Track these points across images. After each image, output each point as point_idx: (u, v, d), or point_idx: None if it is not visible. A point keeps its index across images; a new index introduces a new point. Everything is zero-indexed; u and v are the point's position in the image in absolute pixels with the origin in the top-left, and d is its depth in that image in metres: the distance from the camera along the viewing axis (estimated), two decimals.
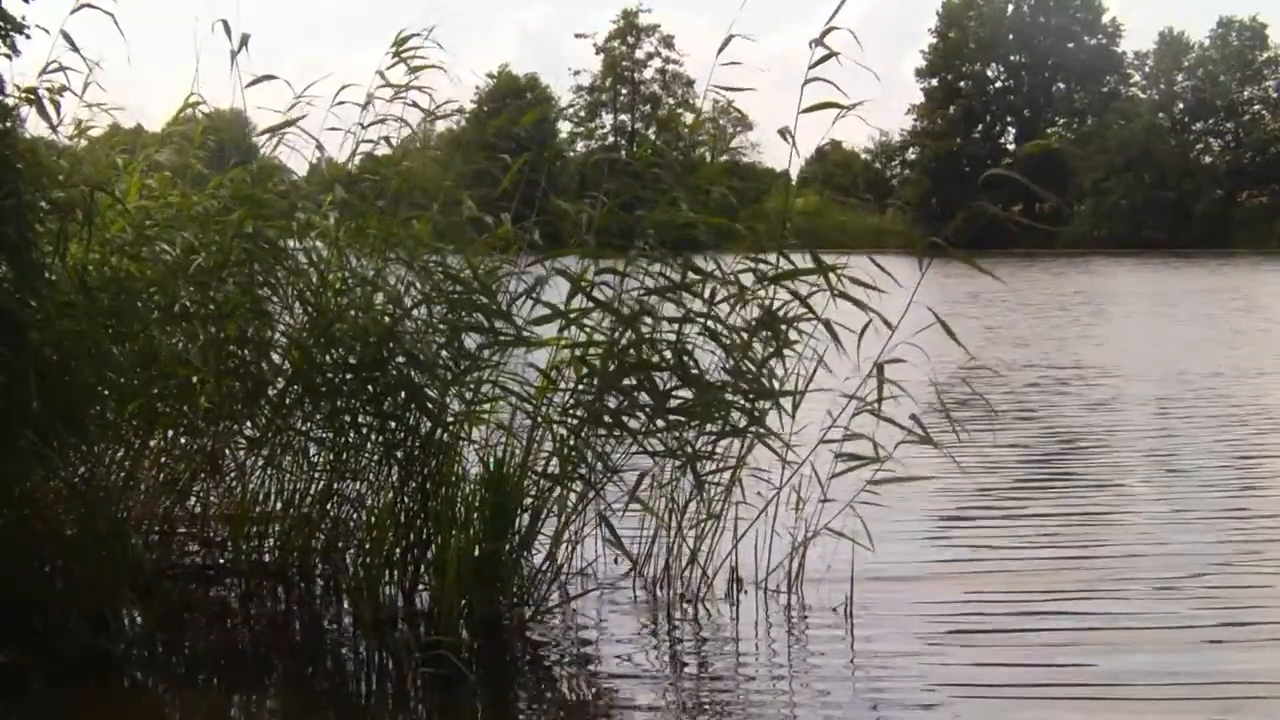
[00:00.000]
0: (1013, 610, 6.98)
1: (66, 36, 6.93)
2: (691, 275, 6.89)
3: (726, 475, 7.02)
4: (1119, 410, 14.41)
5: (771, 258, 7.00)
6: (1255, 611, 6.76)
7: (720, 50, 7.01)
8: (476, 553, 6.29)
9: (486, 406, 6.92)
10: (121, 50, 7.23)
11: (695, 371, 6.80)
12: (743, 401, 6.88)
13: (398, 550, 6.75)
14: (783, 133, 6.94)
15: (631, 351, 6.78)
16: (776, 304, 6.93)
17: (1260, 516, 9.01)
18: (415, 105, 7.40)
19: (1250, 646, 6.29)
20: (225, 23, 7.00)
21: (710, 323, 6.84)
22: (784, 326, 6.89)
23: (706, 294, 6.89)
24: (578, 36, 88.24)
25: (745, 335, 6.87)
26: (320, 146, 7.42)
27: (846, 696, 5.74)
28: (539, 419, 6.74)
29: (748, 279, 6.94)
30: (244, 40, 7.05)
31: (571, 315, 6.86)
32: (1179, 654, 6.18)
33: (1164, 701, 5.60)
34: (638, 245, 6.91)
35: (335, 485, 6.97)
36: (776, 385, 6.92)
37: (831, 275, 6.84)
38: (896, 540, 7.99)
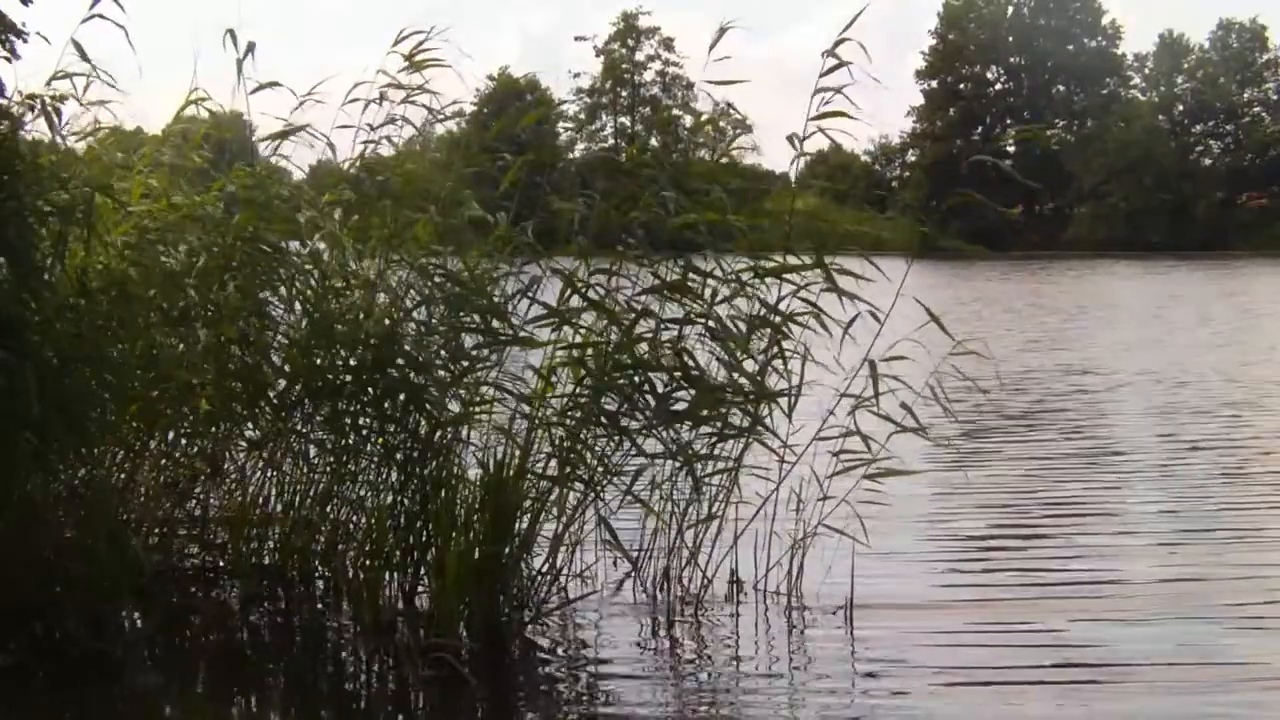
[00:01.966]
0: (1014, 611, 6.98)
1: (77, 46, 6.94)
2: (691, 276, 6.89)
3: (725, 475, 7.02)
4: (1144, 418, 14.04)
5: (772, 256, 7.02)
6: (1264, 640, 6.55)
7: (712, 46, 7.02)
8: (476, 555, 6.30)
9: (484, 408, 6.92)
10: (125, 54, 7.23)
11: (695, 372, 6.80)
12: (741, 399, 6.89)
13: (398, 552, 6.76)
14: (790, 139, 6.97)
15: (629, 353, 6.78)
16: (774, 300, 6.95)
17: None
18: (425, 107, 7.41)
19: (1260, 688, 5.89)
20: (232, 32, 7.01)
21: (710, 322, 6.85)
22: (780, 320, 6.90)
23: (706, 294, 6.90)
24: (578, 39, 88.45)
25: (743, 327, 6.87)
26: (332, 145, 7.43)
27: (846, 698, 5.74)
28: (537, 420, 6.75)
29: (747, 277, 6.96)
30: (249, 48, 7.05)
31: (567, 315, 6.87)
32: (1175, 646, 6.27)
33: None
34: (629, 243, 6.92)
35: (335, 487, 6.98)
36: (775, 385, 6.93)
37: (831, 273, 6.86)
38: (897, 541, 8.01)
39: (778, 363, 6.93)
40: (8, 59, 6.38)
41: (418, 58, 7.23)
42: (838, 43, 6.87)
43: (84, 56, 6.98)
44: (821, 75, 6.88)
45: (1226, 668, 6.04)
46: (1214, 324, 26.74)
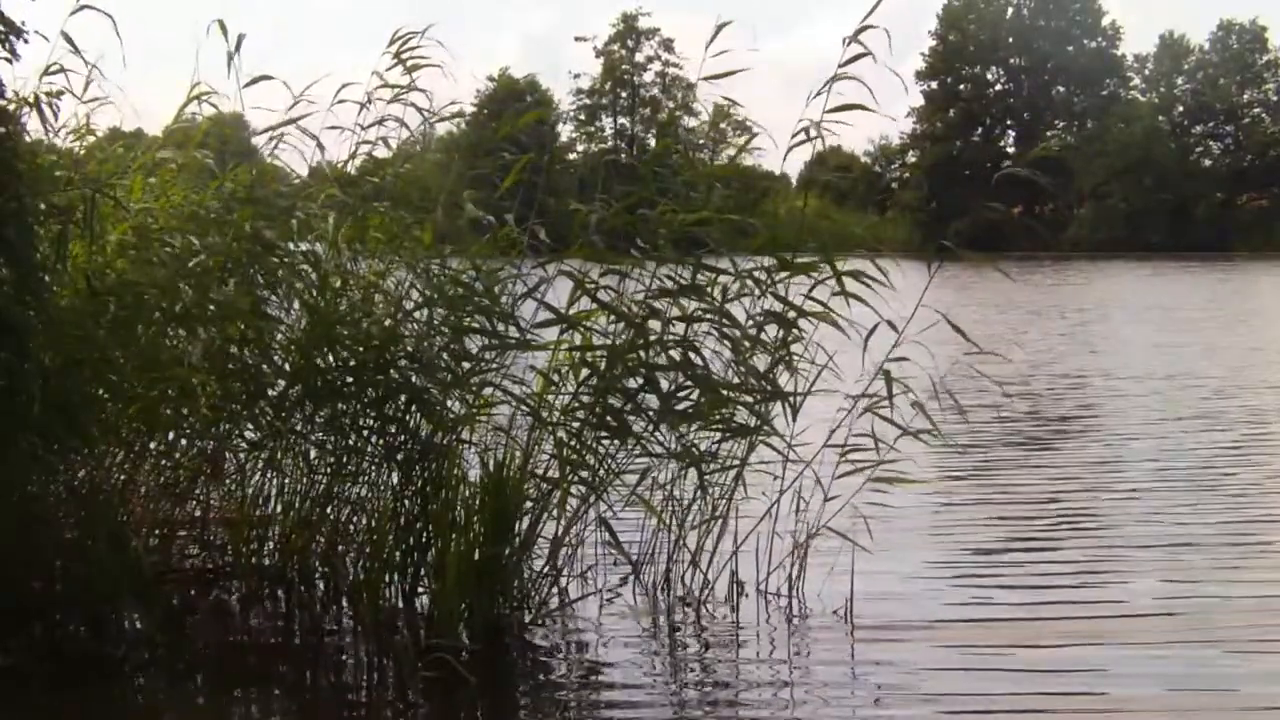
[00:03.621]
0: (1014, 613, 6.97)
1: (67, 38, 6.94)
2: (703, 275, 6.88)
3: (728, 475, 7.01)
4: (1175, 425, 13.35)
5: (779, 256, 7.00)
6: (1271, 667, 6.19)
7: (710, 42, 6.99)
8: (477, 556, 6.29)
9: (486, 409, 6.92)
10: (126, 55, 7.22)
11: (702, 371, 6.80)
12: (749, 399, 6.88)
13: (398, 553, 6.75)
14: (806, 130, 6.95)
15: (636, 354, 6.78)
16: (784, 298, 6.93)
17: None
18: (415, 106, 7.39)
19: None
20: (221, 23, 7.00)
21: (720, 320, 6.83)
22: (794, 316, 6.88)
23: (717, 293, 6.88)
24: (577, 40, 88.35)
25: (755, 326, 6.86)
26: (321, 146, 7.41)
27: (847, 700, 5.73)
28: (540, 421, 6.74)
29: (760, 276, 6.94)
30: (239, 41, 7.04)
31: (575, 318, 6.86)
32: (1169, 655, 6.24)
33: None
34: (643, 246, 6.91)
35: (335, 488, 6.97)
36: (783, 385, 6.93)
37: (840, 276, 6.86)
38: (898, 543, 7.99)
39: (786, 361, 6.92)
40: (9, 59, 6.37)
41: (408, 59, 7.22)
42: (859, 30, 6.84)
43: (74, 49, 6.97)
44: (841, 65, 6.84)
45: (1233, 697, 5.73)
46: (1244, 325, 26.18)
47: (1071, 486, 10.45)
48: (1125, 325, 26.90)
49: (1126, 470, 11.22)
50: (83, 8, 6.97)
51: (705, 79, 7.02)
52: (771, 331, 6.95)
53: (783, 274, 6.94)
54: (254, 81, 7.16)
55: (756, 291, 6.91)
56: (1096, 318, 29.07)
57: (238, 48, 7.01)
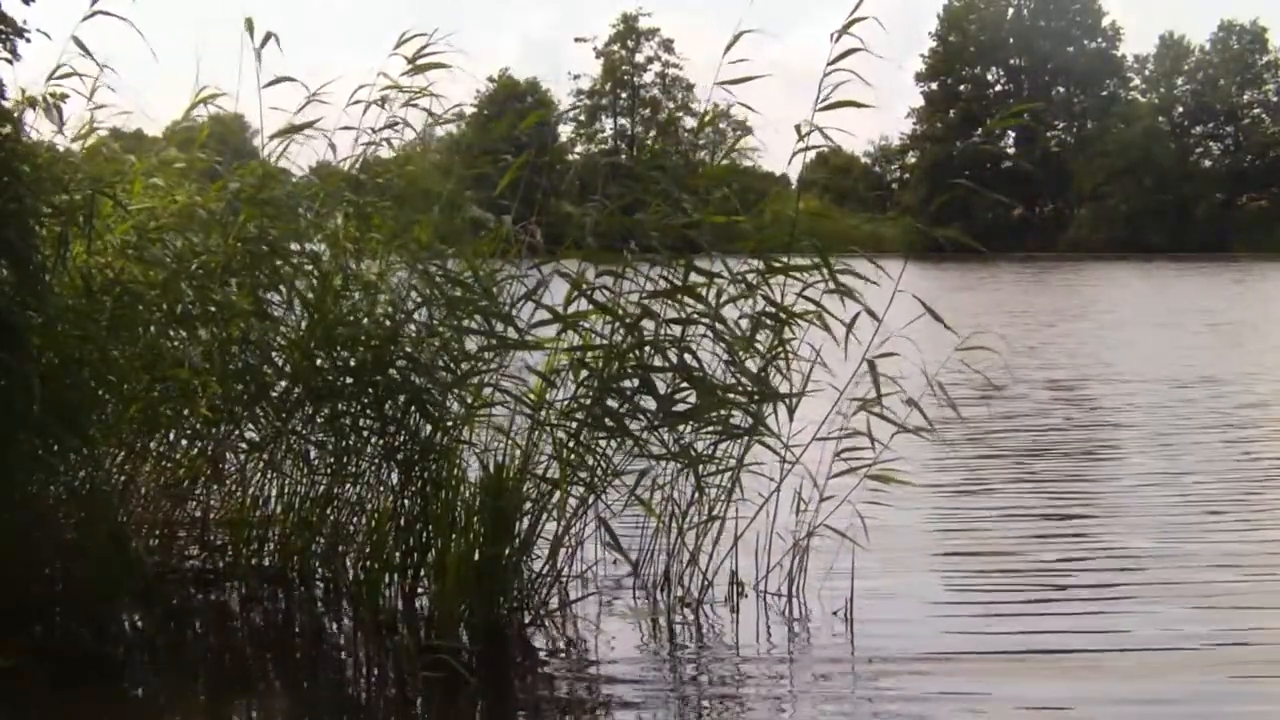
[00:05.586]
0: (1014, 612, 6.98)
1: (78, 42, 6.93)
2: (696, 277, 6.88)
3: (726, 476, 7.02)
4: (1206, 434, 12.80)
5: (776, 257, 7.00)
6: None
7: (728, 49, 6.96)
8: (476, 557, 6.30)
9: (486, 410, 6.92)
10: (127, 55, 7.23)
11: (698, 373, 6.80)
12: (743, 400, 6.89)
13: (398, 554, 6.76)
14: (798, 128, 6.94)
15: (633, 355, 6.78)
16: (779, 300, 6.94)
17: None
18: (427, 110, 7.40)
19: None
20: (250, 21, 6.99)
21: (715, 322, 6.84)
22: (786, 318, 6.88)
23: (711, 295, 6.88)
24: (578, 40, 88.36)
25: (746, 326, 6.87)
26: (333, 146, 7.42)
27: (847, 701, 5.73)
28: (538, 422, 6.74)
29: (753, 278, 6.94)
30: (267, 37, 7.03)
31: (573, 319, 6.87)
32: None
33: None
34: (636, 247, 6.91)
35: (336, 489, 6.97)
36: (778, 385, 6.93)
37: (834, 274, 6.87)
38: (898, 543, 8.00)
39: (781, 363, 6.93)
40: (9, 60, 6.38)
41: (420, 61, 7.23)
42: (848, 24, 6.82)
43: (85, 51, 6.97)
44: (830, 63, 6.82)
45: None
46: (1271, 325, 25.93)
47: (1084, 496, 10.25)
48: (1149, 328, 26.24)
49: (1145, 481, 10.69)
50: (95, 13, 6.97)
51: (720, 84, 6.99)
52: (767, 332, 6.95)
53: (775, 276, 6.94)
54: (275, 82, 7.15)
55: (749, 292, 6.90)
56: (1119, 320, 28.62)
57: (265, 42, 7.00)
